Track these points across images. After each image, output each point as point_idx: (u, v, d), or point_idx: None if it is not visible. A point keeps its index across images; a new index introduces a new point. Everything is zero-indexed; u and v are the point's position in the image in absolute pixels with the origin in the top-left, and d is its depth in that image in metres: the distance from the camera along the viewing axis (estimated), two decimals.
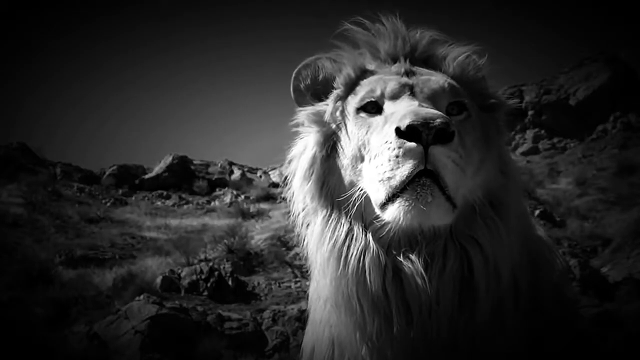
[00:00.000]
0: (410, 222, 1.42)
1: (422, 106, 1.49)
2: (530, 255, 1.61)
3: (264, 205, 18.22)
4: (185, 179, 23.63)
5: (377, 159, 1.45)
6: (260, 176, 24.85)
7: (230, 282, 10.46)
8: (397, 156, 1.40)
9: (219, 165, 26.45)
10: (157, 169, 24.37)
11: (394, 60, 1.71)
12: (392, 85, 1.60)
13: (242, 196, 20.75)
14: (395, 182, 1.40)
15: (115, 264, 11.66)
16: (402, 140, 1.40)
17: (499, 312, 1.49)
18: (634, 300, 8.56)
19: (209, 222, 16.30)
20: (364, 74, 1.72)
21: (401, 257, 1.50)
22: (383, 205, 1.44)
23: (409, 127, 1.38)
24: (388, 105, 1.58)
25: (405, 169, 1.39)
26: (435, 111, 1.43)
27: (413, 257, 1.49)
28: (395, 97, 1.59)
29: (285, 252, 12.23)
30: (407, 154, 1.39)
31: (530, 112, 39.04)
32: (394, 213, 1.41)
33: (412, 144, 1.39)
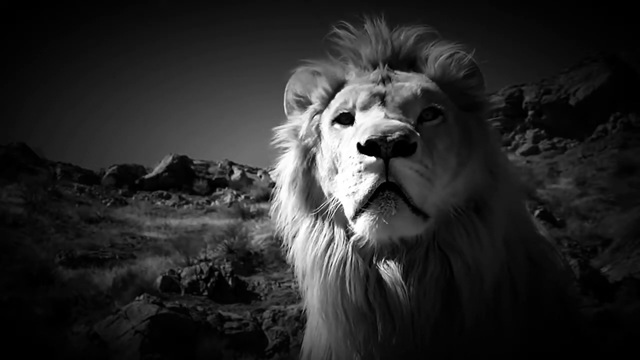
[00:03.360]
0: (377, 236, 1.45)
1: (388, 117, 1.49)
2: (531, 255, 1.60)
3: (264, 205, 18.21)
4: (185, 179, 23.64)
5: (344, 173, 1.47)
6: (260, 176, 24.83)
7: (230, 282, 10.45)
8: (359, 171, 1.42)
9: (219, 165, 26.45)
10: (157, 169, 24.37)
11: (375, 66, 1.70)
12: (362, 96, 1.61)
13: (242, 196, 20.76)
14: (359, 197, 1.42)
15: (115, 264, 11.66)
16: (362, 155, 1.41)
17: (496, 314, 1.48)
18: (634, 300, 8.56)
19: (209, 222, 16.30)
20: (342, 84, 1.72)
21: (381, 265, 1.52)
22: (353, 218, 1.46)
23: (367, 142, 1.39)
24: (359, 116, 1.59)
25: (367, 184, 1.40)
26: (396, 123, 1.43)
27: (392, 265, 1.50)
28: (365, 107, 1.59)
29: (285, 252, 12.21)
30: (368, 168, 1.40)
31: (530, 112, 39.03)
32: (361, 226, 1.44)
33: (372, 159, 1.40)
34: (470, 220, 1.51)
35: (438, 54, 1.67)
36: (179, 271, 10.62)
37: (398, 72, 1.68)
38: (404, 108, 1.55)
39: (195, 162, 25.95)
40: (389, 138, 1.37)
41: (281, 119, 1.90)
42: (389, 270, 1.50)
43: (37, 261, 10.40)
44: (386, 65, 1.68)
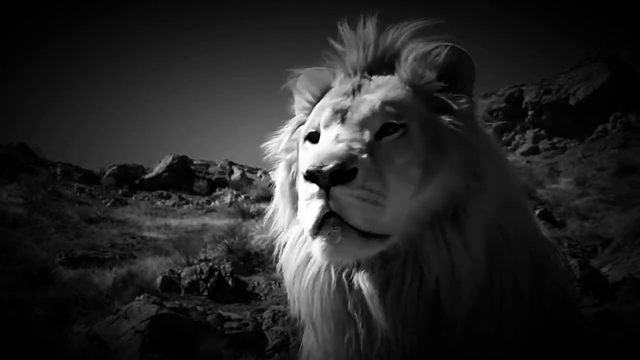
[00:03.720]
0: (330, 259, 1.46)
1: (338, 139, 1.48)
2: (533, 256, 1.58)
3: (264, 205, 18.17)
4: (185, 179, 23.64)
5: (300, 198, 1.49)
6: (260, 176, 24.83)
7: (230, 282, 10.46)
8: (306, 199, 1.43)
9: (219, 165, 26.46)
10: (157, 169, 24.37)
11: (357, 72, 1.69)
12: (325, 115, 1.60)
13: (242, 196, 20.76)
14: (308, 224, 1.44)
15: (115, 264, 11.66)
16: (307, 183, 1.42)
17: (499, 317, 1.47)
18: (634, 300, 8.55)
19: (209, 222, 16.30)
20: (328, 91, 1.72)
21: (359, 278, 1.52)
22: (312, 240, 1.48)
23: (307, 172, 1.40)
24: (322, 135, 1.59)
25: (313, 212, 1.41)
26: (335, 151, 1.42)
27: (370, 277, 1.50)
28: (327, 126, 1.59)
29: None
30: (313, 196, 1.41)
31: (530, 112, 39.03)
32: (316, 250, 1.45)
33: (315, 188, 1.40)
34: (440, 229, 1.47)
35: (409, 55, 1.62)
36: (179, 271, 10.62)
37: (375, 77, 1.65)
38: (362, 124, 1.53)
39: (195, 162, 25.96)
40: (324, 168, 1.37)
41: (282, 119, 1.91)
42: (367, 283, 1.50)
43: (37, 261, 10.40)
44: (364, 72, 1.67)
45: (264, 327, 8.90)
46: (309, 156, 1.47)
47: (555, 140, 36.71)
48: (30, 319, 7.87)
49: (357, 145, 1.46)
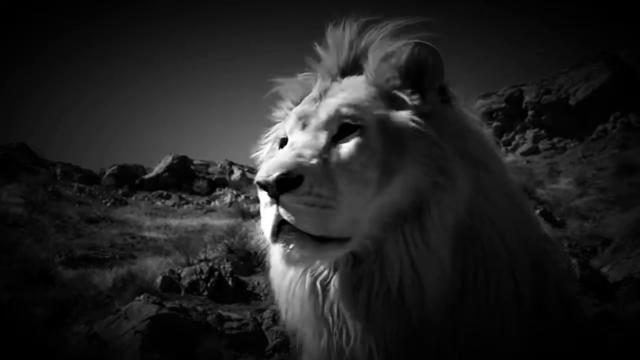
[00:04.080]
0: (289, 265, 1.49)
1: (292, 148, 1.51)
2: (534, 256, 1.55)
3: None
4: (185, 179, 23.64)
5: (260, 207, 1.54)
6: None
7: (230, 282, 10.45)
8: (263, 207, 1.49)
9: (219, 165, 26.47)
10: (157, 169, 24.37)
11: (330, 77, 1.71)
12: (290, 123, 1.65)
13: (242, 196, 20.75)
14: (266, 232, 1.49)
15: (115, 264, 11.65)
16: (262, 192, 1.47)
17: (500, 320, 1.44)
18: (634, 300, 8.55)
19: (209, 222, 16.30)
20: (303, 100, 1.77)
21: (333, 281, 1.54)
22: (273, 248, 1.53)
23: (257, 182, 1.45)
24: (288, 142, 1.62)
25: (268, 220, 1.47)
26: (282, 160, 1.44)
27: (342, 280, 1.52)
28: (291, 132, 1.63)
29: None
30: (267, 205, 1.46)
31: (530, 112, 39.04)
32: (276, 258, 1.52)
33: (267, 197, 1.45)
34: (402, 228, 1.46)
35: (373, 56, 1.62)
36: (179, 271, 10.62)
37: (345, 80, 1.66)
38: (319, 129, 1.55)
39: (195, 162, 25.97)
40: (270, 178, 1.41)
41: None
42: (339, 286, 1.52)
43: (37, 261, 10.39)
44: (337, 76, 1.68)
45: (264, 327, 8.89)
46: (262, 167, 1.51)
47: (555, 140, 36.71)
48: (30, 319, 7.87)
49: (308, 152, 1.48)
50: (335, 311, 1.51)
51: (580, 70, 40.03)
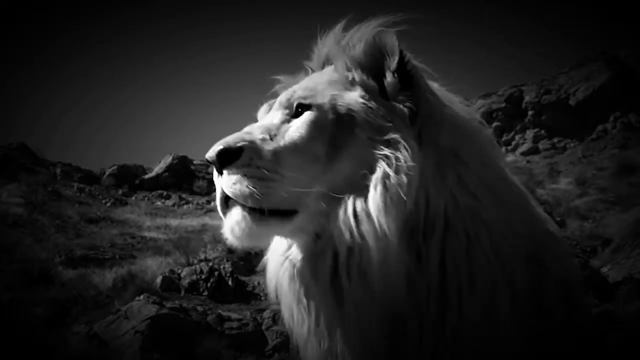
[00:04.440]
0: (236, 243, 1.51)
1: (245, 130, 1.58)
2: (533, 251, 1.51)
3: None
4: (185, 179, 23.67)
5: None
6: None
7: (230, 282, 10.46)
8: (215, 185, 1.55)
9: None
10: (157, 169, 24.38)
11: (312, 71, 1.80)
12: (261, 110, 1.77)
13: None
14: (218, 208, 1.54)
15: (115, 264, 11.66)
16: (214, 171, 1.54)
17: (492, 315, 1.40)
18: (634, 300, 8.56)
19: (209, 222, 16.30)
20: None
21: (298, 264, 1.55)
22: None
23: (206, 160, 1.53)
24: None
25: (217, 194, 1.53)
26: (228, 137, 1.51)
27: (304, 261, 1.53)
28: (260, 118, 1.73)
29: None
30: (215, 181, 1.53)
31: (530, 112, 39.05)
32: (226, 233, 1.52)
33: (215, 172, 1.52)
34: (346, 203, 1.45)
35: (341, 45, 1.67)
36: (179, 271, 10.62)
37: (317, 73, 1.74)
38: (277, 111, 1.63)
39: (195, 162, 25.97)
40: (213, 153, 1.48)
41: None
42: (304, 266, 1.53)
43: (37, 261, 10.40)
44: (319, 70, 1.74)
45: (264, 327, 8.90)
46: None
47: (555, 140, 36.72)
48: (30, 319, 7.87)
49: (257, 130, 1.55)
50: (305, 294, 1.53)
51: (580, 70, 40.03)
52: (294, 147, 1.50)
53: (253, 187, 1.42)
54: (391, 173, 1.42)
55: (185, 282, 10.20)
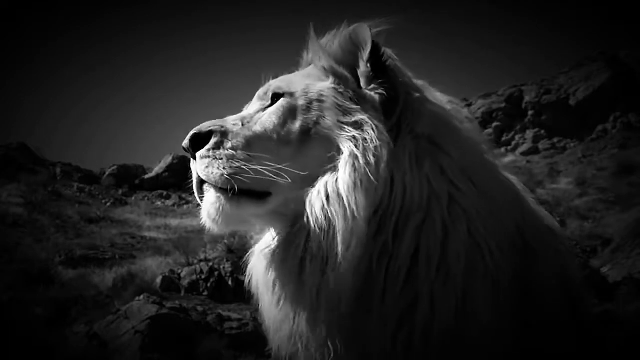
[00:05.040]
0: (213, 227, 1.56)
1: (224, 119, 1.65)
2: (526, 243, 1.48)
3: None
4: (186, 179, 23.52)
5: None
6: None
7: (230, 282, 10.46)
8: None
9: None
10: (157, 169, 24.38)
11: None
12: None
13: None
14: (195, 195, 1.60)
15: (115, 264, 11.66)
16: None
17: (467, 306, 1.36)
18: (634, 300, 8.55)
19: None
20: None
21: (273, 252, 1.58)
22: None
23: (183, 148, 1.62)
24: None
25: (194, 181, 1.60)
26: (201, 125, 1.60)
27: (279, 247, 1.55)
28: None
29: None
30: (192, 167, 1.60)
31: (530, 112, 39.04)
32: (202, 218, 1.58)
33: (191, 160, 1.60)
34: (317, 184, 1.47)
35: (322, 43, 1.70)
36: (179, 271, 10.62)
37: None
38: (256, 102, 1.72)
39: None
40: (186, 139, 1.57)
41: None
42: (272, 256, 1.57)
43: (37, 261, 10.40)
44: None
45: (264, 327, 8.90)
46: None
47: (555, 140, 36.71)
48: (30, 319, 7.87)
49: (230, 119, 1.63)
50: (274, 279, 1.55)
51: (580, 70, 40.02)
52: (264, 131, 1.57)
53: (223, 168, 1.49)
54: (358, 153, 1.44)
55: (185, 282, 10.20)
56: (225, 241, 12.40)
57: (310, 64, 1.76)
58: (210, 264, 10.97)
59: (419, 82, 1.62)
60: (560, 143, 36.16)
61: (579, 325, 1.54)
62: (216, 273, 10.43)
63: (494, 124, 38.71)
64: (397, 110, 1.52)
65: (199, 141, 1.56)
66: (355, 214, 1.38)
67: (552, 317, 1.45)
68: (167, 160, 24.59)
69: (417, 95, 1.56)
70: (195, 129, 1.58)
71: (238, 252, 12.09)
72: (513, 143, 37.87)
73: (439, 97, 1.63)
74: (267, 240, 1.67)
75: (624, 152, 25.48)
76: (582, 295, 1.61)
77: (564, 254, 1.58)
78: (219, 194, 1.52)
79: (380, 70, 1.55)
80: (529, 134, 38.01)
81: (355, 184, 1.41)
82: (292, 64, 1.85)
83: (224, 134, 1.56)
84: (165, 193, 21.90)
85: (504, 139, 38.13)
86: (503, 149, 36.25)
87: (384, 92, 1.52)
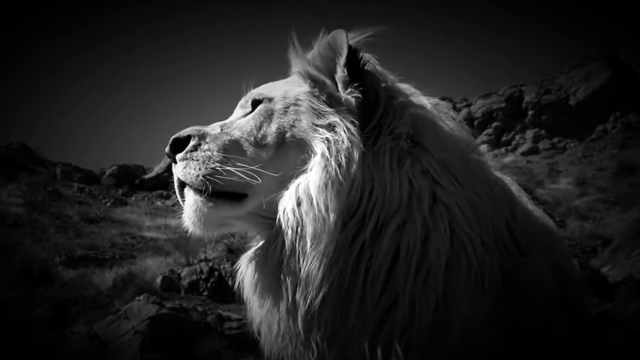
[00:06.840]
0: (193, 230, 1.61)
1: (222, 122, 1.71)
2: (512, 238, 1.47)
3: None
4: None
5: None
6: None
7: (230, 282, 10.45)
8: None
9: None
10: (157, 168, 24.39)
11: None
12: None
13: None
14: (177, 196, 1.66)
15: (115, 264, 11.66)
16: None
17: (449, 301, 1.35)
18: (634, 300, 8.55)
19: None
20: None
21: (256, 256, 1.61)
22: None
23: (166, 154, 1.68)
24: None
25: (175, 184, 1.66)
26: (181, 131, 1.66)
27: (258, 252, 1.60)
28: None
29: None
30: (173, 171, 1.65)
31: (530, 112, 39.03)
32: (184, 221, 1.63)
33: (173, 165, 1.65)
34: (290, 185, 1.49)
35: (298, 51, 1.72)
36: (179, 271, 10.62)
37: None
38: (238, 110, 1.76)
39: None
40: (167, 147, 1.64)
41: None
42: (256, 259, 1.59)
43: (37, 261, 10.40)
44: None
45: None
46: None
47: (555, 140, 36.70)
48: (30, 319, 7.87)
49: (210, 125, 1.68)
50: (256, 281, 1.56)
51: (580, 70, 40.01)
52: (242, 134, 1.62)
53: (198, 169, 1.55)
54: (329, 155, 1.45)
55: (185, 282, 10.21)
56: (225, 241, 12.39)
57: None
58: (210, 264, 10.97)
59: (402, 86, 1.64)
60: (560, 143, 36.15)
61: (578, 324, 1.52)
62: (216, 273, 10.43)
63: (494, 124, 38.71)
64: (378, 113, 1.53)
65: (179, 146, 1.62)
66: (324, 215, 1.40)
67: (543, 312, 1.43)
68: (167, 160, 24.56)
69: (400, 98, 1.57)
70: (175, 135, 1.64)
71: (238, 252, 12.07)
72: (513, 143, 37.86)
73: (422, 100, 1.63)
74: (256, 245, 1.70)
75: (624, 152, 25.48)
76: (579, 293, 1.59)
77: (558, 252, 1.57)
78: (196, 196, 1.56)
79: (357, 74, 1.56)
80: (529, 134, 38.00)
81: (326, 185, 1.42)
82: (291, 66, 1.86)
83: (202, 137, 1.62)
84: (165, 193, 21.90)
85: (504, 139, 38.14)
86: (503, 149, 36.26)
87: (360, 95, 1.53)
